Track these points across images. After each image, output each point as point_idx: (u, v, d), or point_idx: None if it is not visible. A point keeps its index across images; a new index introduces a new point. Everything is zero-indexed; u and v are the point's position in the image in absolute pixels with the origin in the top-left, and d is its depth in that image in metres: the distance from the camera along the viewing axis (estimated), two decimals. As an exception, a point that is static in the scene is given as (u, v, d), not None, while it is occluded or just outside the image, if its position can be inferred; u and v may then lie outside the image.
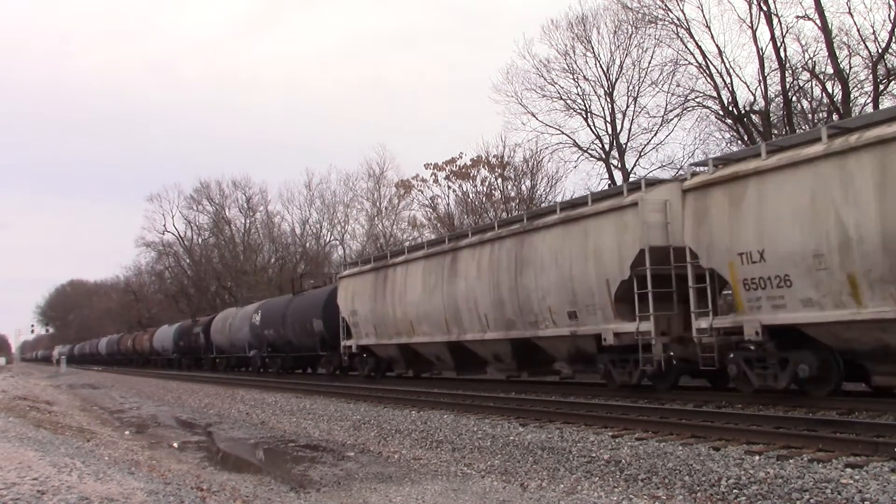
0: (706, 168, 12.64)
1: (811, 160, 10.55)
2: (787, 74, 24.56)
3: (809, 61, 24.21)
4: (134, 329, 70.62)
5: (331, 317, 24.93)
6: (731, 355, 12.03)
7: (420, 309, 19.54)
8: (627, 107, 30.58)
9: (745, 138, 26.23)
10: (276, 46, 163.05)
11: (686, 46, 27.12)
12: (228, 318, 37.56)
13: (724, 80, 26.36)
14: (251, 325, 32.61)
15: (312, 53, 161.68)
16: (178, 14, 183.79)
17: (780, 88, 24.82)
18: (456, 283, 18.06)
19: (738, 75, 27.34)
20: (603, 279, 13.92)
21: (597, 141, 31.32)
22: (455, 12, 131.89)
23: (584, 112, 31.26)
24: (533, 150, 34.08)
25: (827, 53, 23.02)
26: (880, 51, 22.34)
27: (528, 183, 35.40)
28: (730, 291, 12.44)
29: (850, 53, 23.25)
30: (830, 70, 23.37)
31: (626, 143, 30.82)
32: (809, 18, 23.24)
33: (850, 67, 23.32)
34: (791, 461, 7.67)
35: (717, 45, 27.26)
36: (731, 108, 26.33)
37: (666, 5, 26.88)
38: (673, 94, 28.66)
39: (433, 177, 39.48)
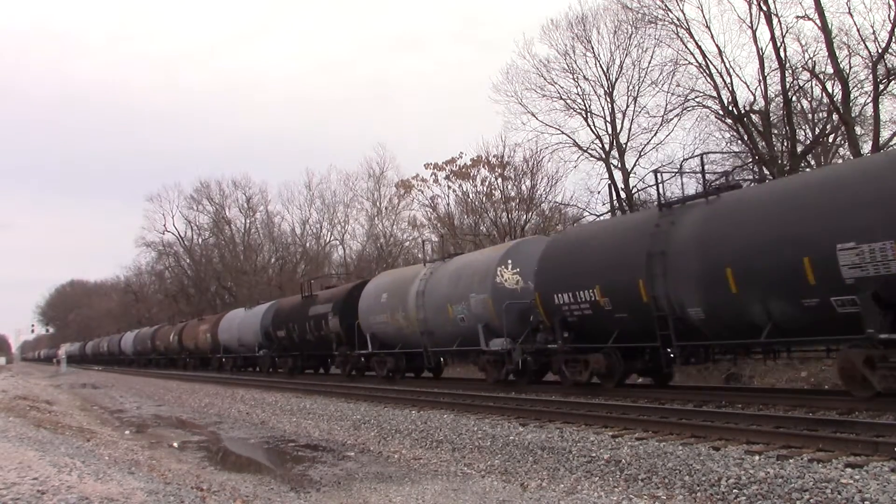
0: None
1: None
2: (787, 74, 24.52)
3: (809, 61, 24.17)
4: (177, 318, 58.14)
5: None
6: None
7: None
8: (627, 107, 30.50)
9: (745, 138, 26.22)
10: (277, 48, 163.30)
11: (686, 46, 27.06)
12: (415, 283, 20.91)
13: (724, 80, 26.31)
14: (495, 289, 17.34)
15: (314, 55, 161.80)
16: (181, 17, 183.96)
17: (780, 88, 24.77)
18: None
19: (738, 75, 27.29)
20: None
21: (597, 141, 31.27)
22: (456, 15, 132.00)
23: (584, 112, 31.20)
24: (533, 150, 33.96)
25: (827, 53, 22.98)
26: (880, 51, 22.30)
27: (528, 183, 35.34)
28: None
29: (850, 53, 23.21)
30: (830, 70, 23.34)
31: (626, 143, 30.75)
32: (809, 18, 23.20)
33: (850, 67, 23.27)
34: (791, 461, 7.66)
35: (717, 45, 27.20)
36: (731, 108, 26.28)
37: (666, 5, 26.83)
38: (673, 94, 28.58)
39: (433, 177, 39.41)
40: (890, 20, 21.92)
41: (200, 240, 70.01)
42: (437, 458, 10.25)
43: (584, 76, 30.92)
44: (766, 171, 24.49)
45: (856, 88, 23.41)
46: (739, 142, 27.02)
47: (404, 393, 18.09)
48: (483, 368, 18.70)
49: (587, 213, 32.33)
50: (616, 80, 30.38)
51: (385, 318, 22.20)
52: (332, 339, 25.81)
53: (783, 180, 14.38)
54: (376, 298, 22.88)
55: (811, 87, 25.26)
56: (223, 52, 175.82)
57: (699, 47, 26.61)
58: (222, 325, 38.74)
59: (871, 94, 22.67)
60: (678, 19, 26.67)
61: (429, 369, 23.15)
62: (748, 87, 26.96)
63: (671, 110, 28.85)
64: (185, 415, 20.01)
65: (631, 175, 30.22)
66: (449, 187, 38.77)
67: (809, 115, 26.31)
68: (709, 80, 26.69)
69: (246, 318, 35.61)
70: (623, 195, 30.07)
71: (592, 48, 30.55)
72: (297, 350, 29.67)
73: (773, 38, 24.19)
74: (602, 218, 29.87)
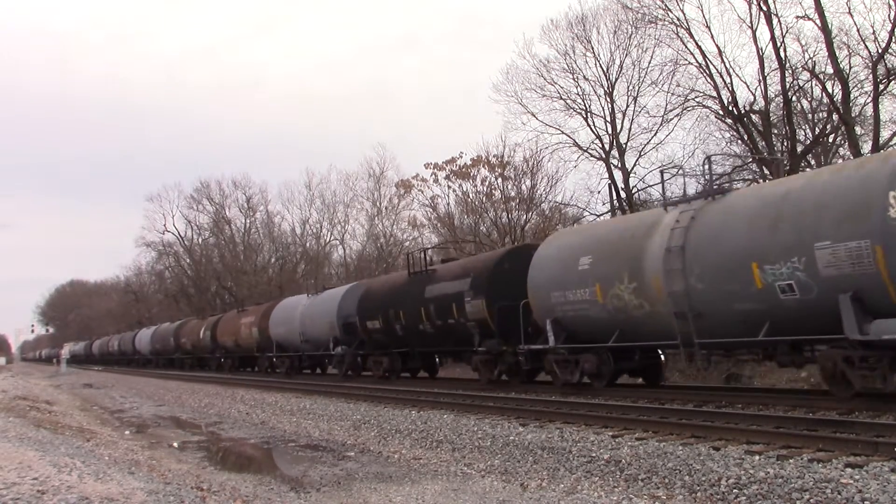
0: None
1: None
2: (787, 74, 24.53)
3: (809, 61, 24.19)
4: (207, 312, 51.24)
5: None
6: None
7: None
8: (627, 107, 30.48)
9: (745, 138, 26.22)
10: (277, 49, 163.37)
11: (686, 46, 27.07)
12: (656, 236, 13.49)
13: (724, 80, 26.32)
14: (886, 229, 9.90)
15: (314, 55, 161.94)
16: (181, 17, 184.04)
17: (780, 88, 24.79)
18: None
19: (738, 75, 27.32)
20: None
21: (597, 141, 31.25)
22: (456, 15, 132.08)
23: (584, 112, 31.18)
24: (533, 150, 33.96)
25: (827, 53, 23.00)
26: (880, 51, 22.32)
27: (528, 183, 35.35)
28: None
29: (850, 53, 23.24)
30: (830, 70, 23.36)
31: (626, 143, 30.73)
32: (809, 18, 23.23)
33: (850, 67, 23.30)
34: (791, 461, 7.67)
35: (717, 45, 27.24)
36: (731, 108, 26.29)
37: (666, 5, 26.84)
38: (673, 94, 28.57)
39: (433, 177, 39.44)
40: (890, 20, 21.96)
41: (200, 240, 70.05)
42: (437, 458, 10.25)
43: (584, 76, 30.93)
44: (766, 171, 24.50)
45: (856, 88, 23.46)
46: (739, 142, 27.03)
47: (404, 393, 18.10)
48: (832, 374, 11.03)
49: (587, 213, 32.36)
50: (616, 80, 30.38)
51: (587, 294, 14.84)
52: (472, 331, 18.69)
53: None
54: (568, 265, 15.46)
55: (811, 87, 25.30)
56: (223, 52, 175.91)
57: (699, 47, 26.64)
58: (275, 317, 31.42)
59: (871, 94, 22.69)
60: (678, 19, 26.69)
61: (632, 373, 16.58)
62: (748, 87, 27.02)
63: (671, 110, 28.86)
64: (185, 415, 20.01)
65: (631, 175, 30.24)
66: (449, 187, 38.83)
67: (809, 115, 26.30)
68: (709, 80, 26.72)
69: (312, 306, 28.27)
70: (623, 195, 30.09)
71: (592, 48, 30.55)
72: (400, 346, 22.61)
73: (773, 38, 24.21)
74: (602, 218, 29.78)
